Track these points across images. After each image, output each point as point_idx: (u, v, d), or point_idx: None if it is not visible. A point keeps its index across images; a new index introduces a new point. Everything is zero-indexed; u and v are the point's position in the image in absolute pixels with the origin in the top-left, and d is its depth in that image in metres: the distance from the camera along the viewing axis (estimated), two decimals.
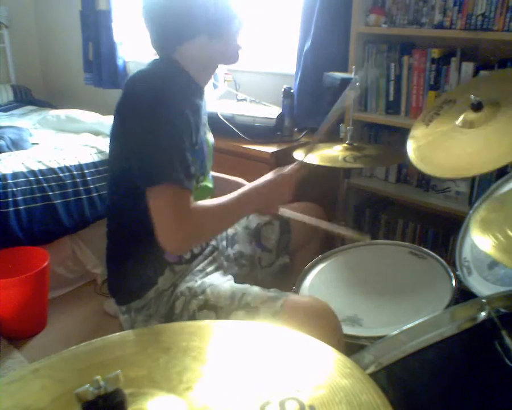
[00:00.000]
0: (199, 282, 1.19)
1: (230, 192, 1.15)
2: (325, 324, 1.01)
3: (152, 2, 1.09)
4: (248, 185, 1.18)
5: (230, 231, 1.44)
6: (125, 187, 1.13)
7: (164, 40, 1.11)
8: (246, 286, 1.16)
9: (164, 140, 1.00)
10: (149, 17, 1.10)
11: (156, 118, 1.01)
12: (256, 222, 1.46)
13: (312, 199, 1.57)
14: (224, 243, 1.41)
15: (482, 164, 1.14)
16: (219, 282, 1.19)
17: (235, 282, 1.25)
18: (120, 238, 1.20)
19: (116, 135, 1.12)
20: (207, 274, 1.24)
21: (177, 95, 1.05)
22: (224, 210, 1.10)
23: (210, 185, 1.28)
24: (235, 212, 1.14)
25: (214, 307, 1.11)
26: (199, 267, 1.25)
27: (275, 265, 1.44)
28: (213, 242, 1.33)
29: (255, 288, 1.13)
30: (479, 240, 0.74)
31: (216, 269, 1.28)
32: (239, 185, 1.37)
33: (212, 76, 1.21)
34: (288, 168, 1.21)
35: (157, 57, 1.15)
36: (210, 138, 1.27)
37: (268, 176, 1.18)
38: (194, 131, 1.10)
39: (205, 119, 1.24)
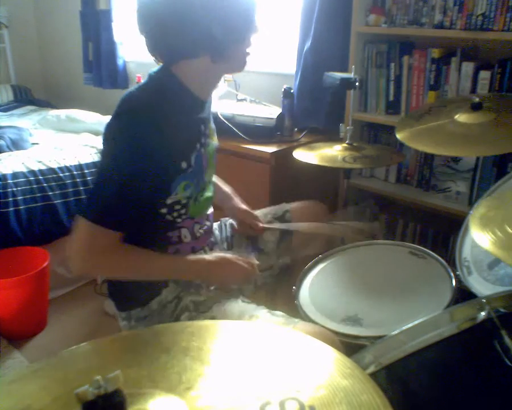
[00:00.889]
0: (204, 296, 1.17)
1: (218, 200, 1.23)
2: None
3: (149, 9, 1.01)
4: (198, 256, 1.17)
5: (229, 232, 1.43)
6: None
7: (162, 52, 1.07)
8: (253, 306, 1.13)
9: (110, 176, 1.02)
10: (147, 24, 1.03)
11: (122, 150, 1.01)
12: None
13: (312, 198, 1.57)
14: (225, 245, 1.40)
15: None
16: (226, 299, 1.17)
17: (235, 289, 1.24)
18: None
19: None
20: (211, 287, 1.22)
21: (161, 123, 1.01)
22: (145, 266, 1.09)
23: (210, 194, 1.26)
24: (160, 270, 1.11)
25: None
26: None
27: (275, 268, 1.43)
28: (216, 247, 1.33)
29: (263, 312, 1.10)
30: (479, 236, 0.74)
31: (217, 288, 1.25)
32: (227, 196, 1.42)
33: (215, 88, 1.17)
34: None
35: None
36: (214, 143, 1.24)
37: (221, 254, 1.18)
38: (187, 154, 1.09)
39: (209, 127, 1.20)
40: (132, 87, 1.08)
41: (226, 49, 1.03)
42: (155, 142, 1.01)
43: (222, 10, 0.99)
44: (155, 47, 1.06)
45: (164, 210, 1.11)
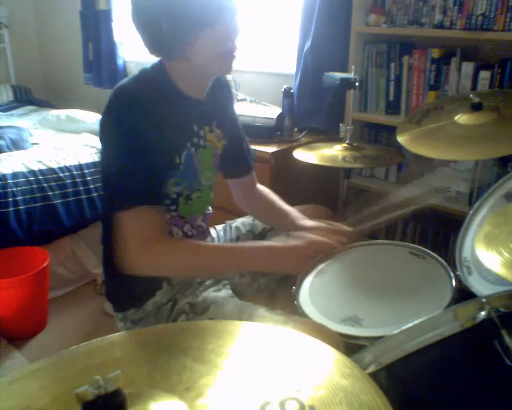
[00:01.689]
0: (200, 297, 1.16)
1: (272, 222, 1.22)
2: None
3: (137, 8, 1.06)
4: (266, 242, 1.14)
5: (234, 234, 1.41)
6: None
7: (150, 49, 1.08)
8: (251, 305, 1.11)
9: (128, 165, 1.01)
10: (136, 22, 1.08)
11: (120, 138, 1.02)
12: (261, 227, 1.41)
13: (312, 198, 1.57)
14: None
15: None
16: (223, 299, 1.15)
17: (237, 290, 1.23)
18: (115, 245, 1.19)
19: (102, 142, 1.12)
20: (208, 287, 1.21)
21: (152, 113, 1.02)
22: (203, 254, 1.06)
23: (208, 198, 1.25)
24: (221, 260, 1.08)
25: None
26: (199, 279, 1.22)
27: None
28: None
29: (262, 311, 1.09)
30: (484, 255, 0.73)
31: (216, 282, 1.25)
32: (295, 223, 1.28)
33: (207, 86, 1.15)
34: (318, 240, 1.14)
35: (144, 55, 1.14)
36: (213, 146, 1.21)
37: (294, 240, 1.12)
38: (177, 150, 1.09)
39: (206, 129, 1.18)
40: (123, 80, 1.08)
41: (175, 47, 1.02)
42: (149, 130, 1.01)
43: (172, 8, 0.98)
44: (146, 44, 1.08)
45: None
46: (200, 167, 1.17)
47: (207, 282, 1.23)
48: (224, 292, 1.22)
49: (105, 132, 1.06)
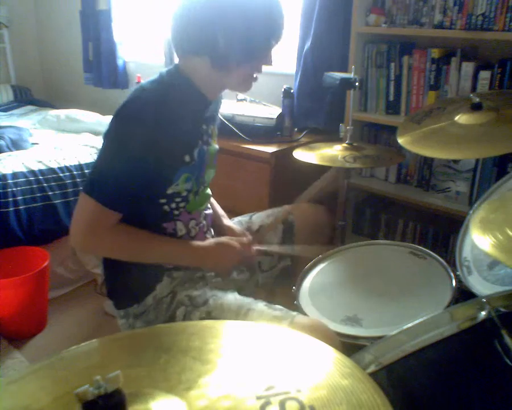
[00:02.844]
0: (200, 290, 1.17)
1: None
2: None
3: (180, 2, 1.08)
4: (197, 242, 1.19)
5: None
6: None
7: (174, 42, 1.11)
8: (250, 300, 1.13)
9: (116, 159, 1.05)
10: (173, 14, 1.09)
11: (123, 134, 1.05)
12: (258, 225, 1.44)
13: (312, 199, 1.57)
14: None
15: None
16: (222, 292, 1.16)
17: (236, 286, 1.24)
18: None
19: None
20: (207, 281, 1.22)
21: (170, 114, 1.05)
22: (146, 244, 1.12)
23: (208, 191, 1.29)
24: (166, 253, 1.15)
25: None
26: (199, 274, 1.23)
27: (276, 268, 1.43)
28: None
29: (261, 305, 1.10)
30: (479, 239, 0.74)
31: (216, 276, 1.26)
32: (219, 219, 1.39)
33: (221, 92, 1.20)
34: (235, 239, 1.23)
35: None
36: (215, 146, 1.27)
37: (215, 240, 1.22)
38: (191, 148, 1.12)
39: (211, 128, 1.23)
40: (144, 81, 1.11)
41: (225, 61, 1.07)
42: (160, 136, 1.04)
43: (238, 24, 1.03)
44: (174, 34, 1.10)
45: (163, 200, 1.14)
46: (207, 164, 1.21)
47: (207, 275, 1.24)
48: (223, 285, 1.23)
49: (118, 122, 1.07)
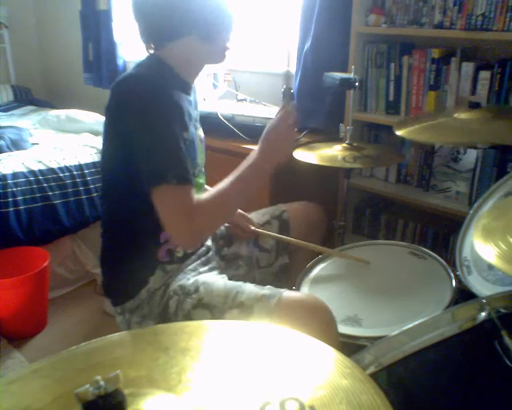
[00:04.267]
0: (191, 280, 1.19)
1: None
2: (319, 319, 1.01)
3: None
4: (249, 157, 1.16)
5: (226, 229, 1.44)
6: (118, 188, 1.14)
7: (153, 35, 1.12)
8: (240, 283, 1.15)
9: (161, 140, 1.02)
10: (140, 10, 1.10)
11: (150, 118, 1.02)
12: (257, 218, 1.45)
13: (312, 199, 1.57)
14: (221, 242, 1.41)
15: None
16: (213, 279, 1.18)
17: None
18: (113, 239, 1.21)
19: (109, 138, 1.13)
20: (200, 273, 1.23)
21: (168, 93, 1.06)
22: (229, 192, 1.08)
23: (202, 180, 1.28)
24: (243, 186, 1.11)
25: (208, 306, 1.11)
26: (191, 267, 1.24)
27: (274, 266, 1.44)
28: (208, 242, 1.33)
29: (249, 286, 1.13)
30: (482, 248, 0.73)
31: (210, 270, 1.27)
32: None
33: (199, 73, 1.22)
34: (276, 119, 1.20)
35: (143, 55, 1.16)
36: (200, 133, 1.27)
37: (264, 134, 1.18)
38: (186, 124, 1.11)
39: (196, 114, 1.24)
40: (123, 75, 1.09)
41: (212, 28, 1.09)
42: (173, 98, 1.06)
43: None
44: (146, 31, 1.11)
45: None
46: (197, 147, 1.21)
47: (201, 269, 1.25)
48: (215, 275, 1.25)
49: (122, 117, 1.05)
